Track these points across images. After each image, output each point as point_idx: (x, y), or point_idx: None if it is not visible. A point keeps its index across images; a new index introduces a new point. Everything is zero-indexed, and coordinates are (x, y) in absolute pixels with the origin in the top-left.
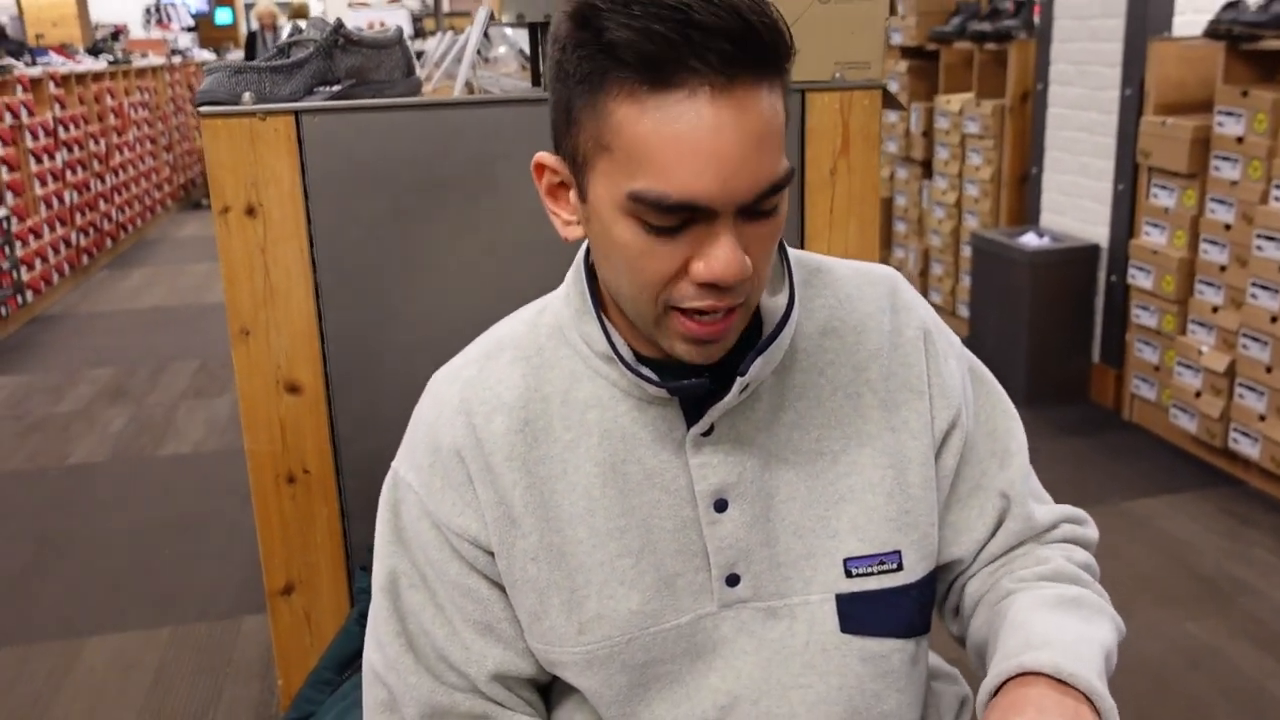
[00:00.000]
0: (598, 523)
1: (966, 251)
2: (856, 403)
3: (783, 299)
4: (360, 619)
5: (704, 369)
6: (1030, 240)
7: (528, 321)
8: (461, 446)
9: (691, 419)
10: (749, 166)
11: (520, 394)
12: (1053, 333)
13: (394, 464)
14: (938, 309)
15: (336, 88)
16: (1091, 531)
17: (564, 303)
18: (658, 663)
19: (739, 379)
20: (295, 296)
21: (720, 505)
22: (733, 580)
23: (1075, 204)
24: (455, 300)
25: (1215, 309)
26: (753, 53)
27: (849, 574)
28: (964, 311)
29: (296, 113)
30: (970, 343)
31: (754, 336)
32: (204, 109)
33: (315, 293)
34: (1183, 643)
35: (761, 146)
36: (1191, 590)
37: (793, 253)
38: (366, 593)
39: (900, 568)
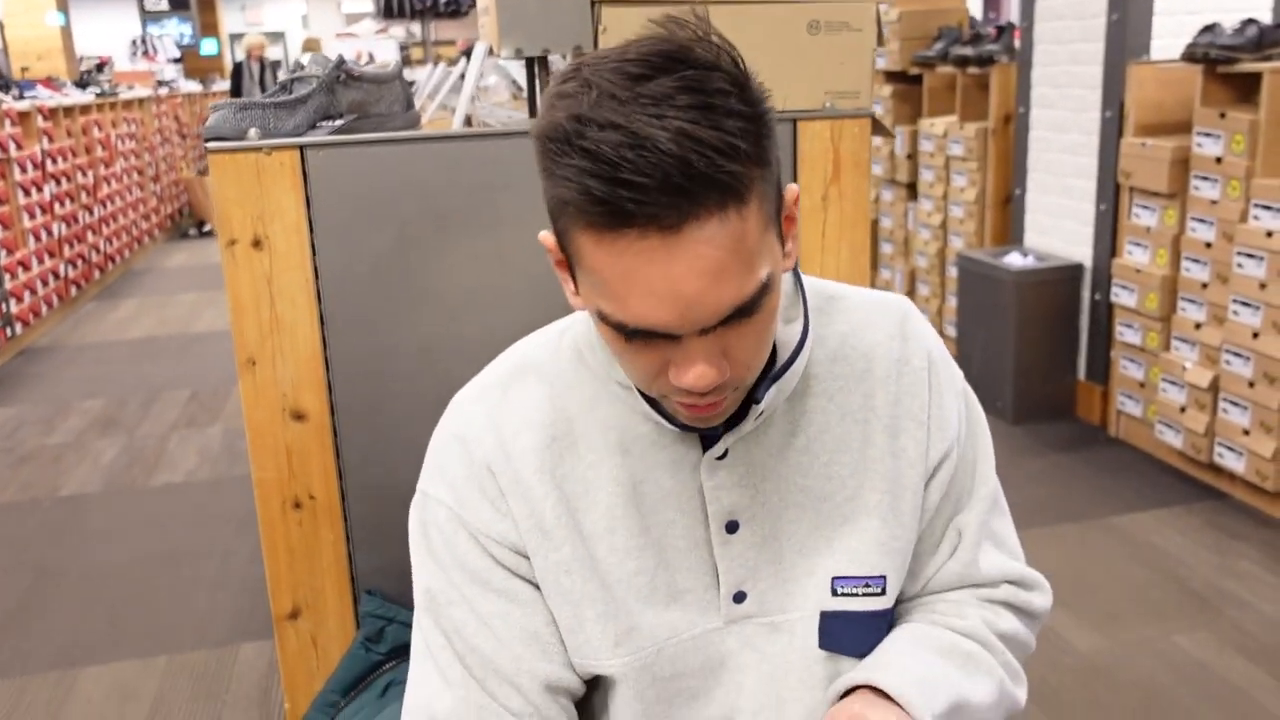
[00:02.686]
0: (617, 541)
1: (952, 272)
2: (864, 428)
3: (797, 328)
4: (365, 642)
5: None
6: (1015, 260)
7: (548, 345)
8: (492, 461)
9: (707, 443)
10: (707, 299)
11: (546, 414)
12: (1038, 351)
13: (419, 486)
14: None
15: (339, 122)
16: (1039, 600)
17: (586, 328)
18: (680, 676)
19: (754, 406)
20: (301, 326)
21: (731, 526)
22: (739, 597)
23: (1058, 224)
24: (458, 329)
25: (1198, 325)
26: (695, 195)
27: (834, 592)
28: (951, 331)
29: (301, 147)
30: (958, 362)
31: (769, 364)
32: (210, 145)
33: (320, 322)
34: (1172, 656)
35: (721, 277)
36: (1180, 604)
37: (808, 281)
38: (371, 616)
39: (884, 592)
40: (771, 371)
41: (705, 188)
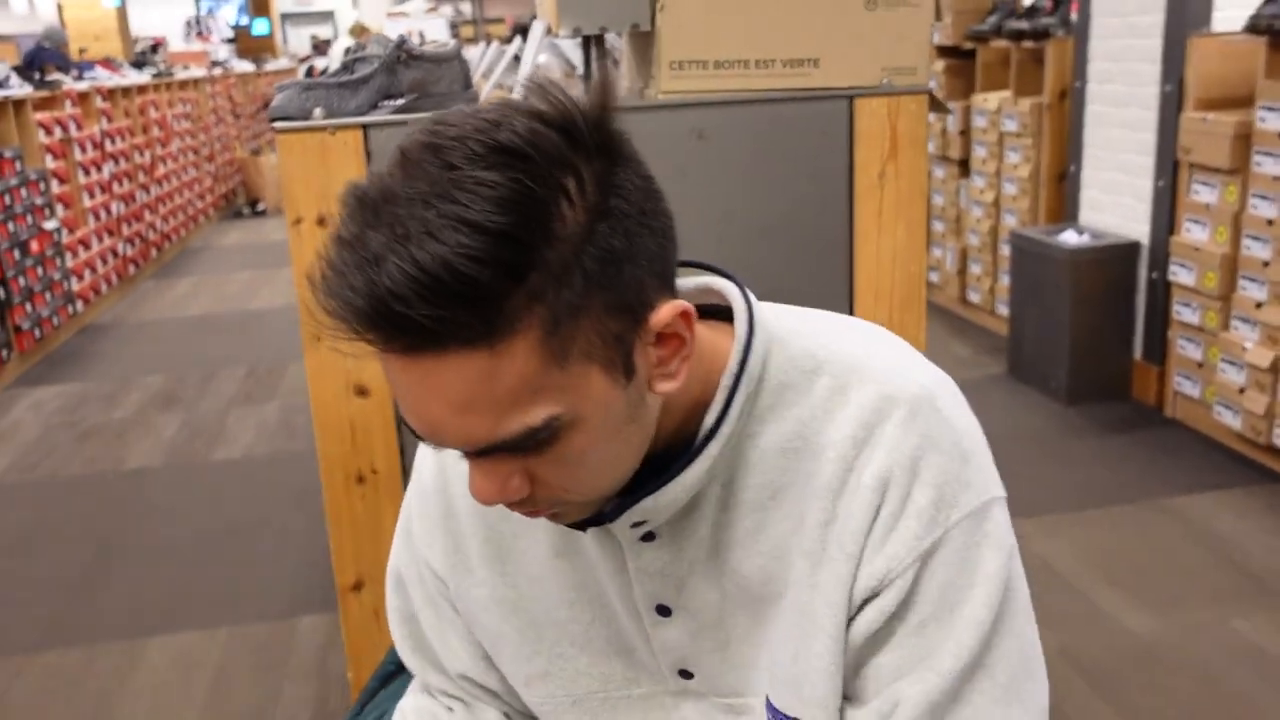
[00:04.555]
0: (550, 588)
1: (1005, 250)
2: (800, 540)
3: (711, 421)
4: None
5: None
6: (1070, 238)
7: None
8: (431, 490)
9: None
10: (452, 428)
11: None
12: (1093, 330)
13: None
14: (975, 309)
15: (400, 101)
16: None
17: None
18: None
19: (621, 517)
20: None
21: (663, 610)
22: (685, 674)
23: (1115, 201)
24: None
25: (1259, 305)
26: (412, 335)
27: (769, 706)
28: (1003, 310)
29: (364, 126)
30: (1010, 342)
31: (690, 444)
32: (278, 124)
33: None
34: (1229, 640)
35: (466, 412)
36: (1238, 587)
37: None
38: None
39: None
40: (687, 453)
41: (423, 331)
